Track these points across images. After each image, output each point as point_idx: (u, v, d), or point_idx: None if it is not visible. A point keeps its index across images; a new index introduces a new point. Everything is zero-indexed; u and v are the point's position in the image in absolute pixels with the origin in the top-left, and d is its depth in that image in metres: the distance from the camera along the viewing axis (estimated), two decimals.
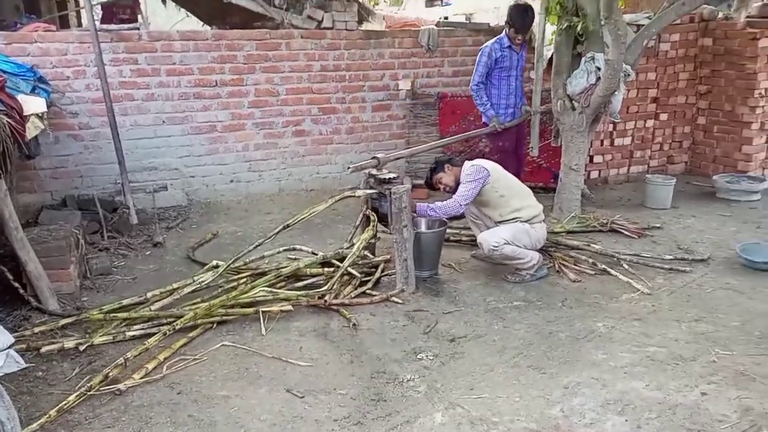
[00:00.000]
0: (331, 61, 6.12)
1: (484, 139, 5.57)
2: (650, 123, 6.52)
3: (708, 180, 6.13)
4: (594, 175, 6.40)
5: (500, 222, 4.05)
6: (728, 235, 4.86)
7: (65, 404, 2.67)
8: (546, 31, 5.35)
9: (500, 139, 5.17)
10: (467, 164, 4.07)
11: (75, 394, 2.74)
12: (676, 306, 3.66)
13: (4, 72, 3.96)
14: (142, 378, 2.91)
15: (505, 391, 2.82)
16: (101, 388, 2.82)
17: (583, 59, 5.02)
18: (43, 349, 3.12)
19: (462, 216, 4.27)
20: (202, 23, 8.37)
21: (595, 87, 4.88)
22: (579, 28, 4.93)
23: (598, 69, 4.87)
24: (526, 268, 4.00)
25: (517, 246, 3.93)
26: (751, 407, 2.66)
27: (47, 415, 2.59)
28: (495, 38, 5.13)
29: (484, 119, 5.23)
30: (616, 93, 4.89)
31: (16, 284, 3.64)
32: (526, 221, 4.01)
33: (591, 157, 6.21)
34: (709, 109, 6.59)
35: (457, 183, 4.06)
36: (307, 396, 2.81)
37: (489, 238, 3.92)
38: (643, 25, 5.18)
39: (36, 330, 3.34)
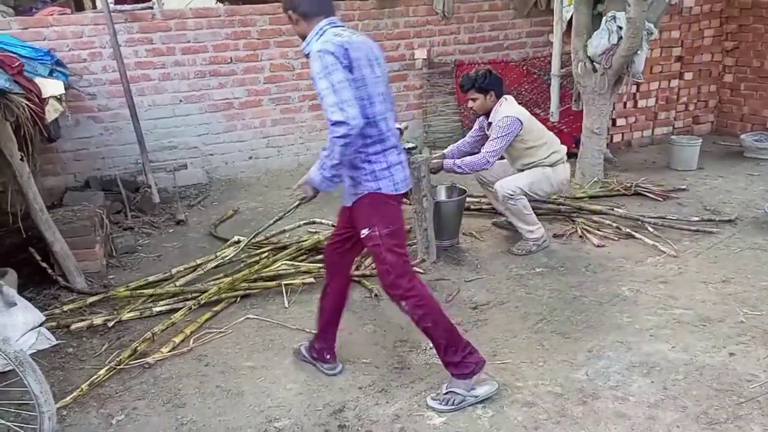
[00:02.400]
0: None
1: None
2: (675, 83, 6.34)
3: (735, 139, 5.96)
4: (617, 138, 6.26)
5: (522, 170, 3.96)
6: (756, 194, 4.73)
7: (96, 378, 2.74)
8: None
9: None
10: (501, 114, 3.77)
11: (105, 369, 2.81)
12: (702, 268, 3.59)
13: (22, 56, 3.98)
14: (169, 351, 2.97)
15: (529, 357, 2.81)
16: (131, 363, 2.89)
17: (603, 19, 4.86)
18: (73, 327, 3.19)
19: None
20: (214, 0, 8.31)
21: (617, 47, 4.74)
22: None
23: (620, 28, 4.72)
24: (532, 238, 3.92)
25: (536, 194, 3.92)
26: None
27: (79, 389, 2.67)
28: None
29: None
30: (638, 52, 4.75)
31: (44, 264, 3.72)
32: (548, 166, 3.91)
33: (613, 120, 6.07)
34: (736, 66, 6.37)
35: (486, 113, 3.88)
36: None
37: (506, 185, 3.84)
38: None
39: (65, 308, 3.42)
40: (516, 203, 3.86)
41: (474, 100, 3.86)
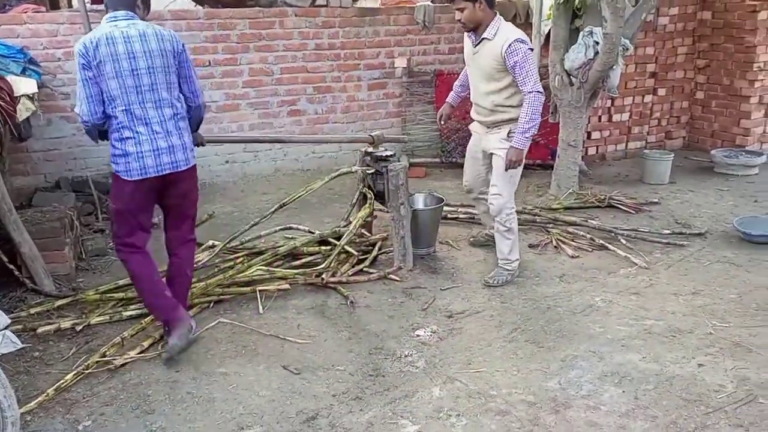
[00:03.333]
0: (326, 40, 6.04)
1: None
2: (648, 98, 6.48)
3: (706, 155, 6.11)
4: (592, 151, 6.37)
5: (493, 127, 3.59)
6: (726, 209, 4.85)
7: (63, 383, 2.67)
8: (543, 6, 5.29)
9: None
10: (511, 36, 3.33)
11: (72, 373, 2.74)
12: (673, 280, 3.66)
13: None
14: (138, 354, 2.91)
15: (503, 365, 2.82)
16: (99, 367, 2.82)
17: (581, 33, 4.96)
18: (40, 330, 3.11)
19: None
20: (194, 3, 8.25)
21: (593, 62, 4.83)
22: (577, 1, 4.86)
23: (597, 43, 4.81)
24: (510, 268, 3.68)
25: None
26: (748, 377, 2.67)
27: (45, 394, 2.60)
28: None
29: None
30: (614, 67, 4.85)
31: (11, 266, 3.61)
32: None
33: (589, 134, 6.18)
34: (708, 84, 6.54)
35: (476, 27, 3.43)
36: (305, 372, 2.81)
37: (504, 202, 3.56)
38: None
39: (32, 311, 3.33)
40: (511, 221, 3.61)
41: (461, 10, 3.39)
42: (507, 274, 3.69)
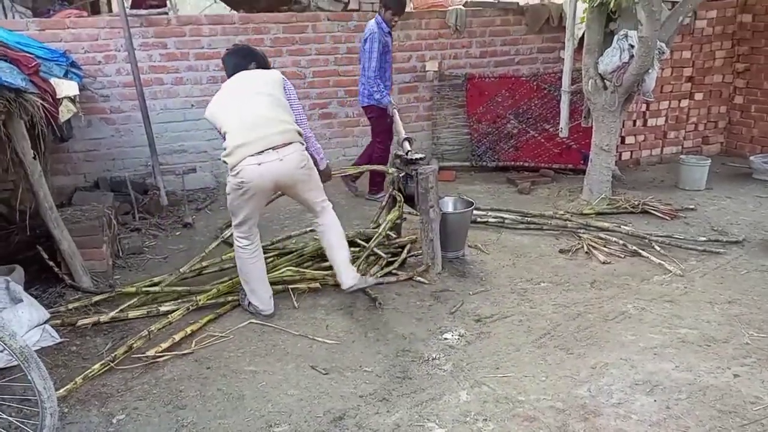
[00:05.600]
0: (358, 44, 6.07)
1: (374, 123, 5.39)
2: (685, 103, 6.34)
3: (744, 161, 5.96)
4: (626, 156, 6.27)
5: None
6: (765, 216, 4.72)
7: (90, 372, 2.76)
8: (577, 9, 5.23)
9: (385, 117, 5.15)
10: None
11: (99, 363, 2.82)
12: (709, 288, 3.57)
13: (38, 57, 4.04)
14: (169, 346, 2.98)
15: (532, 371, 2.80)
16: (132, 357, 2.91)
17: (615, 37, 4.89)
18: (79, 323, 3.22)
19: None
20: (229, 8, 8.40)
21: (628, 65, 4.75)
22: (612, 4, 4.79)
23: (632, 47, 4.74)
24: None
25: None
26: None
27: (73, 382, 2.69)
28: (373, 23, 5.04)
29: (380, 101, 5.09)
30: (649, 71, 4.76)
31: (51, 263, 3.74)
32: None
33: (623, 138, 6.08)
34: (747, 88, 6.38)
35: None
36: (333, 372, 2.84)
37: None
38: (678, 2, 5.01)
39: (70, 306, 3.44)
40: None
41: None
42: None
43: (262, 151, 3.05)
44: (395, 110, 4.95)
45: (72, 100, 4.22)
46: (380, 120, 5.22)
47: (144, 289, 3.54)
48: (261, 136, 3.06)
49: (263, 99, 3.17)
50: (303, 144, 3.24)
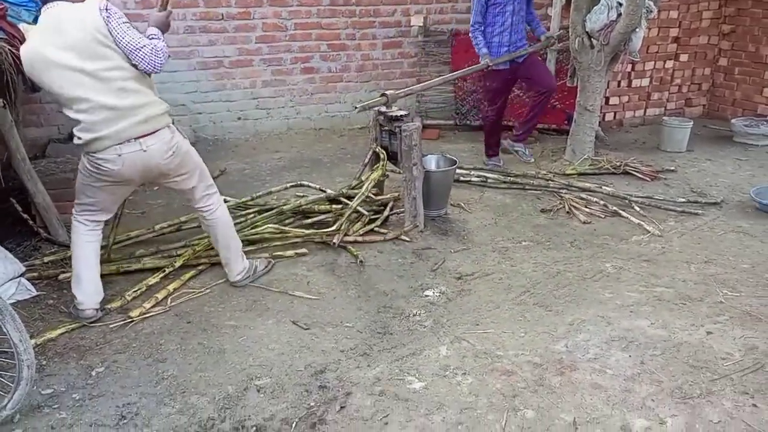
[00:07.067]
0: None
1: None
2: (669, 64, 6.31)
3: (726, 123, 5.98)
4: (609, 117, 6.26)
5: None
6: (743, 179, 4.77)
7: (65, 327, 2.76)
8: None
9: (488, 79, 5.02)
10: None
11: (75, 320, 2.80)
12: (686, 248, 3.63)
13: (5, 1, 3.84)
14: (152, 307, 2.95)
15: (511, 327, 2.84)
16: (114, 316, 2.88)
17: None
18: (62, 276, 3.18)
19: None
20: None
21: (616, 23, 4.69)
22: None
23: (620, 4, 4.66)
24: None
25: None
26: (756, 346, 2.66)
27: (49, 332, 2.67)
28: None
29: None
30: (636, 30, 4.70)
31: (25, 216, 3.66)
32: None
33: (606, 99, 6.05)
34: (732, 50, 6.36)
35: None
36: (314, 328, 2.85)
37: None
38: None
39: (46, 260, 3.39)
40: None
41: None
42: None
43: (122, 143, 2.64)
44: (489, 63, 4.69)
45: None
46: (487, 77, 5.02)
47: (121, 245, 3.49)
48: (115, 131, 2.62)
49: (103, 78, 2.56)
50: (169, 126, 2.77)
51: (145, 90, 2.68)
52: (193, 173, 2.92)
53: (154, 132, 2.69)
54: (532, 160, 4.95)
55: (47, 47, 2.53)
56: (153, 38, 2.67)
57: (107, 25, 2.54)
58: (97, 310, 2.88)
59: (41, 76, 2.57)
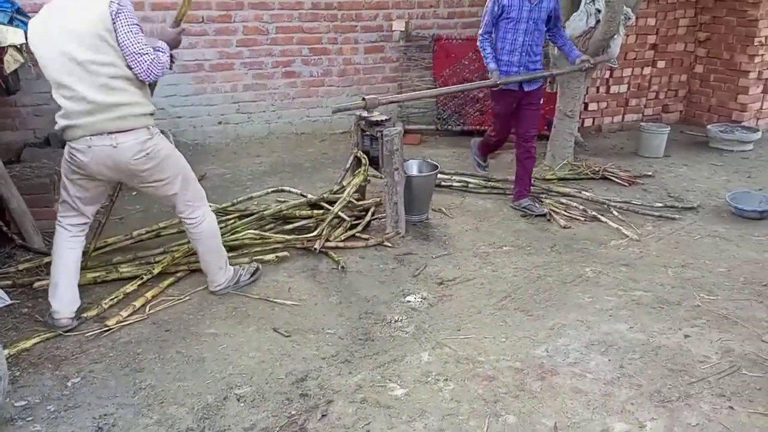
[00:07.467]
0: (323, 0, 5.90)
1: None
2: (647, 70, 6.41)
3: (702, 129, 6.09)
4: (588, 122, 6.33)
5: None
6: (719, 184, 4.86)
7: (42, 336, 2.68)
8: None
9: (496, 102, 4.32)
10: None
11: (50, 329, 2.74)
12: (663, 252, 3.68)
13: None
14: (129, 315, 2.91)
15: (492, 332, 2.85)
16: (90, 325, 2.83)
17: (583, 1, 4.87)
18: (36, 284, 3.11)
19: None
20: None
21: (595, 30, 4.75)
22: None
23: (598, 11, 4.74)
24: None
25: None
26: (732, 349, 2.70)
27: (23, 342, 2.61)
28: None
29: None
30: (615, 37, 4.77)
31: (0, 222, 3.58)
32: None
33: (585, 105, 6.12)
34: (707, 57, 6.48)
35: None
36: (295, 335, 2.83)
37: None
38: None
39: (21, 267, 3.31)
40: None
41: None
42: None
43: (95, 134, 2.62)
44: (496, 81, 4.10)
45: (18, 49, 3.97)
46: (492, 97, 4.37)
47: (97, 252, 3.43)
48: (90, 122, 2.60)
49: (92, 71, 2.54)
50: (150, 127, 2.71)
51: (132, 90, 2.65)
52: (173, 180, 2.84)
53: (129, 130, 2.64)
54: (546, 210, 4.18)
55: (51, 27, 2.54)
56: (158, 50, 2.67)
57: (114, 21, 2.51)
58: (72, 319, 2.82)
59: (38, 51, 2.59)
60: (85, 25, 2.50)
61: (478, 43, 4.26)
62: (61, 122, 2.64)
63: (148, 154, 2.70)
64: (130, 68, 2.58)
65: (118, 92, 2.59)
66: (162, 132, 2.88)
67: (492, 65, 4.14)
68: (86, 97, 2.55)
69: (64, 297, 2.81)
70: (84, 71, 2.53)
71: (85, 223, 2.92)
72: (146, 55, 2.57)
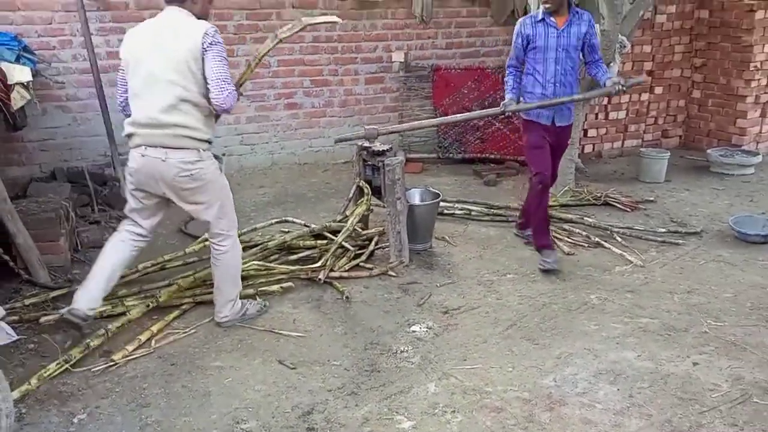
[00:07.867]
0: (323, 32, 6.00)
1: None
2: (645, 96, 6.48)
3: (702, 154, 6.13)
4: (588, 149, 6.38)
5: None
6: (721, 208, 4.87)
7: (46, 372, 2.66)
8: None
9: (527, 132, 3.92)
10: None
11: (55, 363, 2.72)
12: (668, 278, 3.67)
13: None
14: (135, 349, 2.90)
15: (498, 362, 2.83)
16: (97, 360, 2.82)
17: None
18: (42, 320, 3.11)
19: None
20: None
21: None
22: None
23: None
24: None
25: None
26: (742, 376, 2.68)
27: (27, 383, 2.59)
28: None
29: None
30: (611, 64, 4.84)
31: (6, 257, 3.59)
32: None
33: (585, 131, 6.18)
34: (704, 83, 6.56)
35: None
36: (301, 367, 2.81)
37: None
38: None
39: (27, 302, 3.31)
40: None
41: None
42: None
43: (149, 146, 2.81)
44: (504, 110, 3.83)
45: (25, 86, 4.05)
46: (524, 128, 3.97)
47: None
48: (149, 133, 2.80)
49: (166, 90, 2.74)
50: (201, 150, 2.83)
51: (196, 115, 2.80)
52: (210, 206, 2.95)
53: (181, 148, 2.79)
54: (556, 266, 3.76)
55: (146, 43, 2.78)
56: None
57: (204, 51, 2.71)
58: (87, 316, 2.88)
59: (128, 61, 2.82)
60: (177, 50, 2.70)
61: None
62: (127, 129, 2.87)
63: (192, 174, 2.82)
64: (208, 95, 2.76)
65: (182, 114, 2.77)
66: (215, 157, 3.00)
67: (507, 95, 3.86)
68: (153, 111, 2.75)
69: (91, 290, 2.92)
70: (160, 89, 2.74)
71: (141, 236, 3.05)
72: (229, 85, 2.76)
